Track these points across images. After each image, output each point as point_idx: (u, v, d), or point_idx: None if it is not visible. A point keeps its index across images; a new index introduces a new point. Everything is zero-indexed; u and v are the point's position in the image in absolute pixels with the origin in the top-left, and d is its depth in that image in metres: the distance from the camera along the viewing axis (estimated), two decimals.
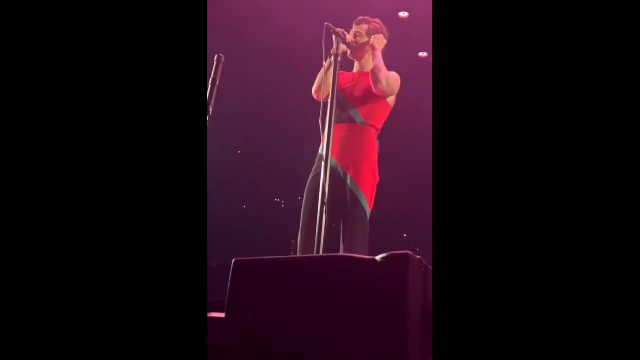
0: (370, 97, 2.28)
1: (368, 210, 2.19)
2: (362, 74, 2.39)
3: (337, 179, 2.18)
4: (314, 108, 2.46)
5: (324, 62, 2.15)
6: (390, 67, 2.39)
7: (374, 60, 2.25)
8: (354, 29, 2.38)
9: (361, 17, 2.41)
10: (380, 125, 2.34)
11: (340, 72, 2.24)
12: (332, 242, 2.18)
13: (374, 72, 2.23)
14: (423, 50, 4.50)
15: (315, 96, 2.39)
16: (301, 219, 2.22)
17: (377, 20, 2.43)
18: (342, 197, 2.19)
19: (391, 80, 2.27)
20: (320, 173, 1.98)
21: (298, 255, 2.14)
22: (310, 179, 2.31)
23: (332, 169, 2.19)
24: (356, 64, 2.43)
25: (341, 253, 2.12)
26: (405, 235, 5.81)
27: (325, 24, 2.06)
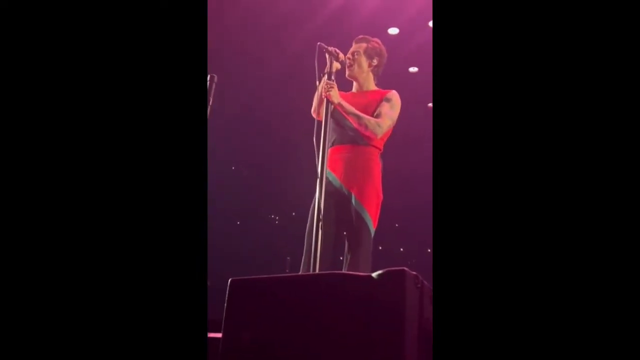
0: (370, 116, 2.26)
1: (372, 229, 2.17)
2: (361, 93, 2.38)
3: (342, 199, 2.19)
4: (310, 125, 2.47)
5: (317, 82, 2.15)
6: (380, 83, 2.41)
7: (344, 113, 2.21)
8: (354, 47, 2.38)
9: (361, 36, 2.41)
10: (382, 144, 2.33)
11: (340, 92, 2.24)
12: (336, 264, 2.17)
13: (359, 124, 2.20)
14: (413, 65, 4.56)
15: (314, 116, 2.34)
16: (305, 240, 2.18)
17: (377, 39, 2.42)
18: (347, 217, 2.17)
19: (383, 120, 2.24)
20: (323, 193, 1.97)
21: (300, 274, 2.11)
22: (315, 198, 2.30)
23: (336, 189, 2.20)
24: (354, 83, 2.43)
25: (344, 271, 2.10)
26: (402, 249, 5.80)
27: (318, 43, 2.08)
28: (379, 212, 2.23)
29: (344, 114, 2.21)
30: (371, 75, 2.40)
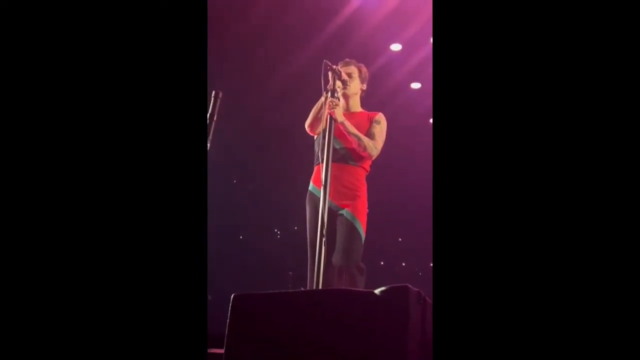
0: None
1: (363, 236, 2.26)
2: (350, 114, 2.45)
3: (331, 215, 2.21)
4: (311, 140, 2.50)
5: (323, 98, 2.21)
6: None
7: (347, 132, 2.28)
8: (343, 68, 2.44)
9: (347, 59, 2.51)
10: (369, 166, 2.42)
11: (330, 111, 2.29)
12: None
13: (359, 144, 2.29)
14: (415, 81, 4.58)
15: (307, 129, 2.45)
16: (309, 256, 2.24)
17: (361, 64, 2.53)
18: (337, 226, 2.24)
19: (377, 142, 2.34)
20: (314, 208, 2.03)
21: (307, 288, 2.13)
22: (308, 216, 2.35)
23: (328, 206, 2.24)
24: (342, 102, 2.48)
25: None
26: (403, 264, 5.78)
27: (324, 61, 2.13)
28: (366, 220, 2.31)
29: (345, 133, 2.28)
30: (359, 99, 2.51)
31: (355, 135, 2.27)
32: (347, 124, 2.25)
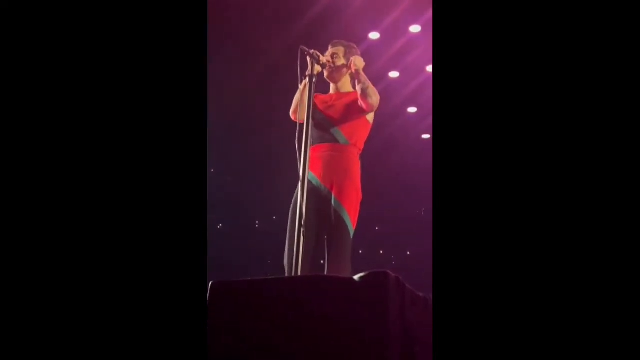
0: (350, 116, 2.31)
1: (352, 229, 2.20)
2: (340, 94, 2.41)
3: (321, 198, 2.21)
4: (291, 128, 2.47)
5: (299, 84, 2.16)
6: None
7: (359, 78, 2.28)
8: (330, 50, 2.40)
9: (336, 40, 2.45)
10: (362, 144, 2.37)
11: (317, 94, 2.26)
12: (317, 265, 2.16)
13: (364, 89, 2.25)
14: (394, 70, 4.59)
15: (292, 117, 2.38)
16: (287, 240, 2.20)
17: (352, 44, 2.46)
18: (326, 216, 2.19)
19: (377, 95, 2.31)
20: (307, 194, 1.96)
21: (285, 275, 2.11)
22: (293, 199, 2.30)
23: (315, 188, 2.22)
24: (332, 85, 2.45)
25: (325, 273, 2.10)
26: (381, 252, 5.83)
27: (300, 46, 2.09)
28: (358, 211, 2.26)
29: (361, 77, 2.27)
30: (349, 78, 2.43)
31: (368, 81, 2.26)
32: (363, 75, 2.28)
